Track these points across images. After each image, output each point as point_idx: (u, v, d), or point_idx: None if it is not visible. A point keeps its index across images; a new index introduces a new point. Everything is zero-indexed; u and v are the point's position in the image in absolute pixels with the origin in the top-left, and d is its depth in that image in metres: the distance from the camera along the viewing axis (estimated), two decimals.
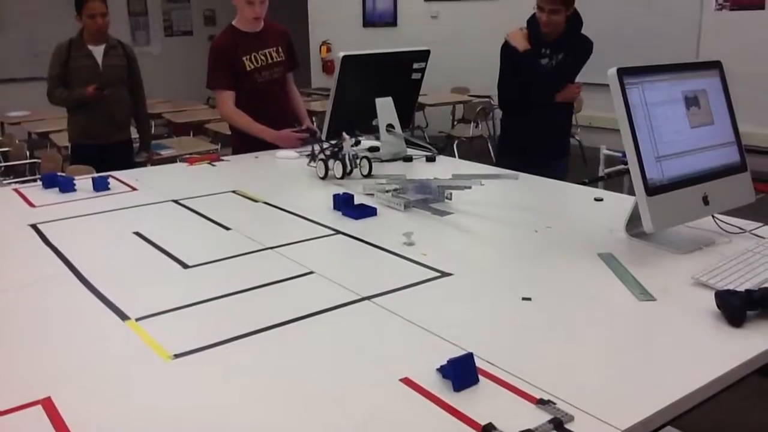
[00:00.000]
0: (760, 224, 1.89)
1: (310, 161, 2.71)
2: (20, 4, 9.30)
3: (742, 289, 1.40)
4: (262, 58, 3.18)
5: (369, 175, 2.55)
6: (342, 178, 2.53)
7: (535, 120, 3.34)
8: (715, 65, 1.92)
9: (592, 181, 4.07)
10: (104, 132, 4.02)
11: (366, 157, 2.59)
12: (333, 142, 2.61)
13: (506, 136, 3.63)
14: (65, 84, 3.94)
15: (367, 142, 3.01)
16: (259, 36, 3.19)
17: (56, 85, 3.94)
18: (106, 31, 3.97)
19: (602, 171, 4.76)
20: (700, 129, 1.82)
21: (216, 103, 3.24)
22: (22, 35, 9.18)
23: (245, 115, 3.14)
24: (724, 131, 1.89)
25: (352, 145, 2.57)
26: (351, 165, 2.54)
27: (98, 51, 3.95)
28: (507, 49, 3.35)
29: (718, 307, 1.37)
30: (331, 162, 2.56)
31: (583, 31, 3.33)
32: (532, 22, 3.29)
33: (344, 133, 2.54)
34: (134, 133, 4.31)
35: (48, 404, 1.11)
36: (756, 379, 1.28)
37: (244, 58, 3.13)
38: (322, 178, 2.56)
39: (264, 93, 3.19)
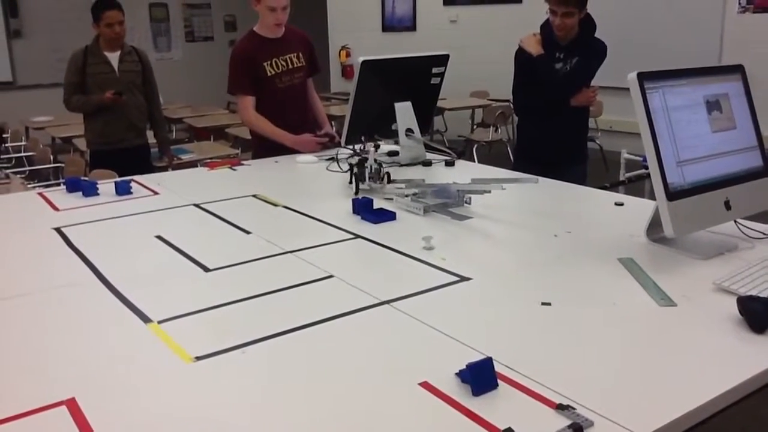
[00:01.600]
0: None
1: (329, 165, 2.72)
2: (44, 11, 9.45)
3: (765, 295, 1.39)
4: (283, 63, 3.20)
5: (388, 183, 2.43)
6: (357, 194, 2.38)
7: (551, 125, 3.33)
8: (737, 69, 1.90)
9: (613, 186, 4.04)
10: (123, 137, 4.08)
11: (387, 173, 2.43)
12: (356, 149, 2.58)
13: (523, 142, 3.63)
14: (83, 91, 4.00)
15: (386, 147, 3.03)
16: (280, 41, 3.21)
17: (73, 92, 4.01)
18: (123, 38, 4.03)
19: (623, 175, 4.73)
20: (722, 133, 1.81)
21: (237, 109, 3.25)
22: (46, 41, 9.33)
23: (266, 120, 3.16)
24: (747, 136, 1.87)
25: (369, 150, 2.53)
26: (371, 179, 2.40)
27: (114, 57, 4.02)
28: (521, 54, 3.35)
29: (741, 313, 1.36)
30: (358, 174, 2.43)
31: (604, 35, 3.32)
32: (546, 26, 3.28)
33: (368, 144, 2.53)
34: (150, 138, 4.37)
35: (72, 405, 1.13)
36: None
37: (265, 64, 3.15)
38: (356, 194, 2.38)
39: (285, 98, 3.21)
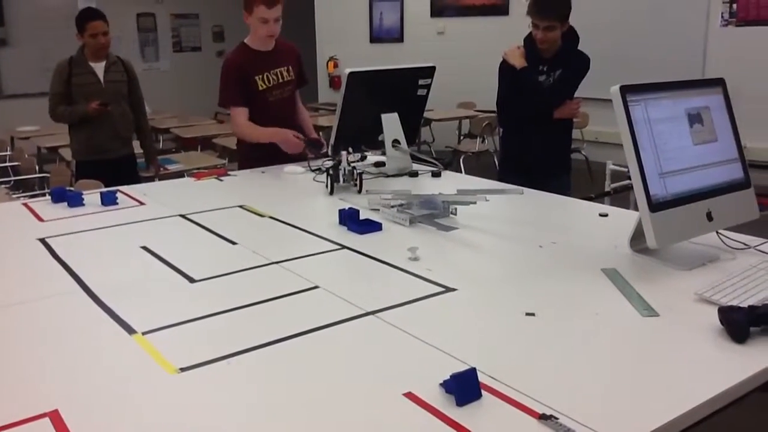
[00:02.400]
0: (765, 240, 1.89)
1: (316, 176, 2.73)
2: (31, 20, 9.42)
3: (745, 305, 1.40)
4: (274, 77, 3.19)
5: (360, 191, 2.60)
6: (332, 193, 2.60)
7: (534, 137, 3.36)
8: (718, 83, 1.93)
9: (599, 196, 4.08)
10: (109, 147, 4.06)
11: (360, 174, 2.64)
12: (330, 156, 2.68)
13: (507, 153, 3.66)
14: (68, 101, 3.98)
15: (372, 158, 3.04)
16: (271, 55, 3.19)
17: (58, 102, 3.98)
18: (108, 48, 4.02)
19: (608, 186, 4.77)
20: (703, 146, 1.83)
21: (231, 121, 3.18)
22: (32, 50, 9.28)
23: (255, 126, 3.13)
24: (728, 148, 1.90)
25: (357, 161, 2.63)
26: (343, 180, 2.63)
27: (99, 68, 4.01)
28: (505, 66, 3.38)
29: (722, 323, 1.37)
30: (332, 176, 2.62)
31: (589, 47, 3.35)
32: (529, 39, 3.32)
33: (343, 151, 2.64)
34: (137, 148, 4.35)
35: (55, 417, 1.12)
36: (759, 395, 1.28)
37: (256, 78, 3.13)
38: (331, 194, 2.59)
39: (275, 112, 3.18)
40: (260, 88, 3.15)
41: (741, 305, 1.40)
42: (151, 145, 4.55)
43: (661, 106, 1.76)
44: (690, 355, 1.31)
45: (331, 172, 2.61)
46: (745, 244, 1.87)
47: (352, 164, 2.62)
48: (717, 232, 1.86)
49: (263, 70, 3.15)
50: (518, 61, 3.31)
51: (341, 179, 2.61)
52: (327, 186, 2.62)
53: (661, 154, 1.73)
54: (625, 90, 1.69)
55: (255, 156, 3.15)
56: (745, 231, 1.91)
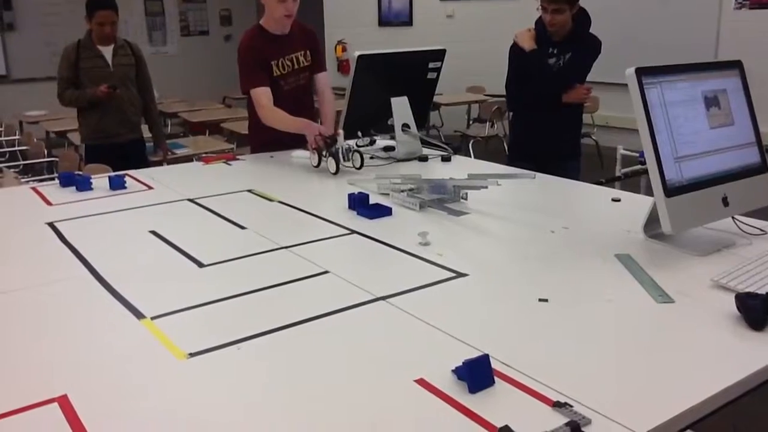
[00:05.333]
0: None
1: (318, 164, 2.71)
2: (38, 4, 9.39)
3: (763, 291, 1.38)
4: (288, 63, 3.04)
5: (361, 167, 2.67)
6: (336, 172, 2.63)
7: (543, 121, 3.33)
8: (735, 65, 1.89)
9: (609, 181, 4.04)
10: (118, 131, 4.05)
11: (357, 151, 2.68)
12: (328, 137, 2.69)
13: (516, 137, 3.62)
14: (76, 85, 3.96)
15: (382, 142, 3.01)
16: (287, 39, 3.04)
17: (66, 87, 3.97)
18: (115, 35, 4.00)
19: (619, 171, 4.74)
20: (719, 130, 1.80)
21: (255, 103, 2.97)
22: (40, 34, 9.27)
23: (285, 113, 2.91)
24: (745, 132, 1.87)
25: (366, 145, 2.65)
26: (343, 158, 2.64)
27: (107, 51, 3.99)
28: (515, 49, 3.34)
29: (739, 310, 1.35)
30: (325, 156, 2.68)
31: (601, 30, 3.31)
32: (540, 22, 3.27)
33: (339, 129, 2.67)
34: (145, 132, 4.34)
35: (64, 402, 1.12)
36: None
37: (272, 63, 3.00)
38: (316, 166, 2.71)
39: (289, 99, 3.02)
40: (275, 74, 3.00)
41: (758, 292, 1.38)
42: (159, 128, 4.53)
43: (677, 89, 1.73)
44: (706, 343, 1.29)
45: (328, 154, 2.65)
46: (762, 230, 1.84)
47: (348, 144, 2.67)
48: (733, 218, 1.83)
49: (278, 56, 3.00)
50: (528, 44, 3.28)
51: (342, 159, 2.63)
52: (316, 165, 2.70)
53: (677, 137, 1.70)
54: (641, 72, 1.65)
55: (269, 141, 3.06)
56: (761, 216, 1.89)
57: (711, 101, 1.79)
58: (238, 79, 3.01)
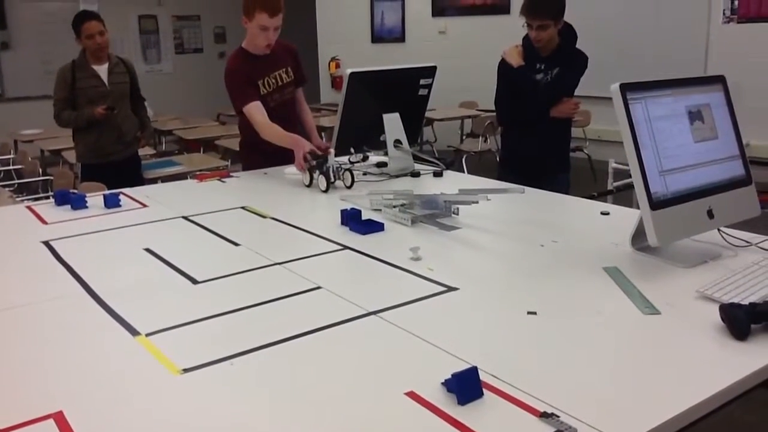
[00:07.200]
0: (766, 237, 1.89)
1: (310, 183, 2.74)
2: (33, 23, 9.44)
3: (746, 302, 1.41)
4: (273, 81, 3.14)
5: (351, 186, 2.71)
6: (326, 190, 2.67)
7: (532, 136, 3.37)
8: (719, 80, 1.93)
9: (601, 195, 4.08)
10: (115, 149, 4.08)
11: (348, 170, 2.73)
12: (318, 155, 2.74)
13: (506, 152, 3.66)
14: (73, 106, 3.98)
15: (374, 158, 3.04)
16: (270, 58, 3.14)
17: (63, 108, 3.98)
18: (107, 48, 4.02)
19: (611, 184, 4.77)
20: (704, 143, 1.84)
21: (251, 121, 3.02)
22: (35, 53, 9.31)
23: (278, 128, 2.98)
24: (729, 145, 1.90)
25: (359, 161, 2.69)
26: (334, 177, 2.69)
27: (103, 70, 4.01)
28: (503, 65, 3.39)
29: (723, 320, 1.37)
30: (316, 174, 2.71)
31: (590, 45, 3.36)
32: (527, 38, 3.33)
33: (330, 149, 2.73)
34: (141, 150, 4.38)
35: (60, 418, 1.13)
36: (761, 392, 1.29)
37: (258, 82, 3.09)
38: (307, 185, 2.75)
39: (275, 115, 3.09)
40: (261, 92, 3.09)
41: (742, 302, 1.41)
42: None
43: (662, 104, 1.76)
44: (691, 353, 1.31)
45: (318, 172, 2.68)
46: (747, 242, 1.87)
47: (339, 163, 2.70)
48: (718, 230, 1.86)
49: (263, 75, 3.11)
50: (515, 60, 3.33)
51: (332, 177, 2.68)
52: (308, 183, 2.73)
53: (662, 151, 1.73)
54: (625, 88, 1.69)
55: (259, 158, 3.12)
56: (746, 228, 1.92)
57: (695, 116, 1.83)
58: (231, 101, 3.09)
